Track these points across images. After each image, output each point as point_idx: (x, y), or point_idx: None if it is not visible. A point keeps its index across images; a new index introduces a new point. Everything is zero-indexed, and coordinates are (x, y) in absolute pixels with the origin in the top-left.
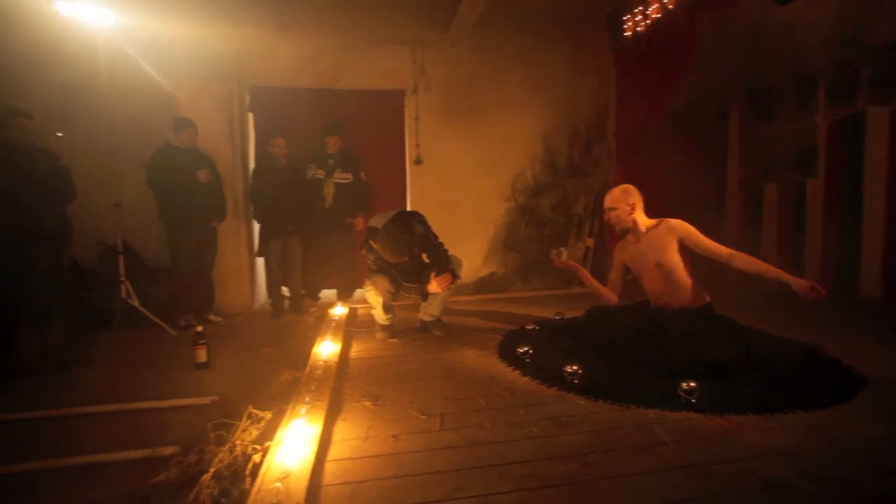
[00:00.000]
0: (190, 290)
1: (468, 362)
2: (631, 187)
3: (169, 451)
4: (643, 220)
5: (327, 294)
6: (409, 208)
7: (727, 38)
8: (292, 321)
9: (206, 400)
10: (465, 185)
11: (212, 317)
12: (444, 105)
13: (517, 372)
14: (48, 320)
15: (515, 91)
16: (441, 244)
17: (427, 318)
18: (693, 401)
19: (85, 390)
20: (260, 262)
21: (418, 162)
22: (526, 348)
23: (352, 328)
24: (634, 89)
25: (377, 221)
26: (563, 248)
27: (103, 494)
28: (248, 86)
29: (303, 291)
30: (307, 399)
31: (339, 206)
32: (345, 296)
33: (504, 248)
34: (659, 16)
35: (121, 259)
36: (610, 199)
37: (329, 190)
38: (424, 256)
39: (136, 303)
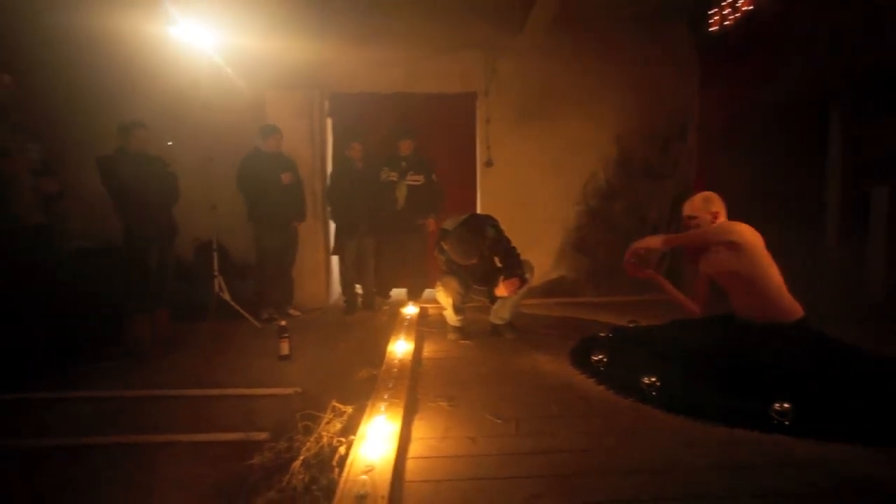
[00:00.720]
0: (273, 285)
1: (541, 368)
2: (713, 195)
3: (261, 436)
4: None
5: (397, 292)
6: (479, 210)
7: (833, 24)
8: (365, 317)
9: (289, 390)
10: (535, 187)
11: (291, 311)
12: (514, 107)
13: (592, 380)
14: (157, 309)
15: (588, 91)
16: (513, 248)
17: (497, 322)
18: (787, 423)
19: (184, 373)
20: (335, 259)
21: (489, 164)
22: (600, 356)
23: (423, 328)
24: (720, 86)
25: (450, 224)
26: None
27: (207, 471)
28: (328, 93)
29: (374, 289)
30: (385, 396)
31: (411, 208)
32: (415, 295)
33: (574, 251)
34: (751, 7)
35: (214, 256)
36: (690, 208)
37: (401, 191)
38: (496, 260)
39: (226, 296)
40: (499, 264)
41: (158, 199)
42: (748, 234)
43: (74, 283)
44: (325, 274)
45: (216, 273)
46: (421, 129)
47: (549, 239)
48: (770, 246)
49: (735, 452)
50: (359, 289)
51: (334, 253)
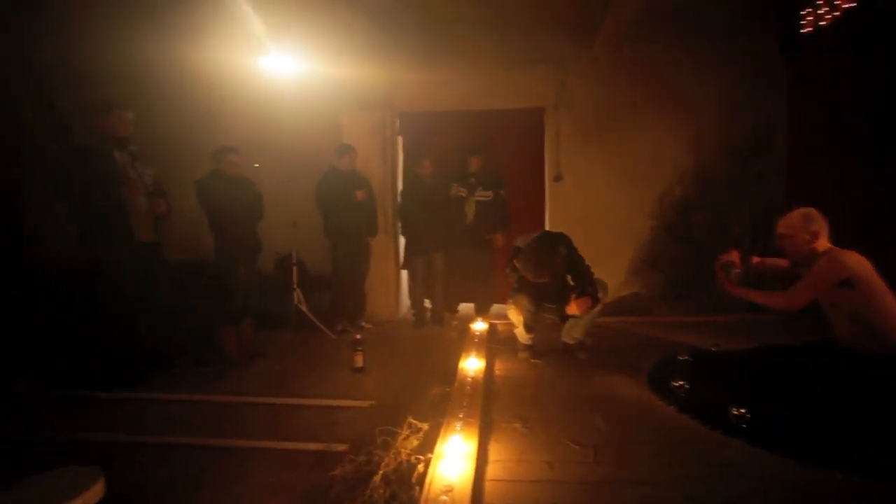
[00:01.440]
0: (346, 298)
1: (617, 391)
2: (814, 212)
3: (341, 447)
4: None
5: (465, 307)
6: (547, 225)
7: None
8: (434, 332)
9: (365, 403)
10: (606, 202)
11: (363, 323)
12: (585, 120)
13: (672, 407)
14: (243, 320)
15: (664, 102)
16: (586, 267)
17: (569, 341)
18: None
19: (268, 381)
20: (404, 274)
21: (558, 178)
22: (681, 382)
23: (493, 345)
24: (812, 92)
25: (522, 241)
26: (733, 263)
27: (293, 478)
28: (398, 112)
29: (443, 304)
30: (460, 415)
31: (480, 223)
32: (482, 311)
33: (648, 267)
34: (853, 4)
35: (294, 270)
36: (786, 225)
37: (470, 207)
38: (569, 278)
39: (304, 308)
40: (571, 282)
41: (246, 218)
42: (858, 266)
43: (174, 294)
44: (395, 288)
45: (295, 286)
46: (489, 145)
47: (620, 254)
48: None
49: (845, 500)
50: (428, 303)
51: (404, 267)
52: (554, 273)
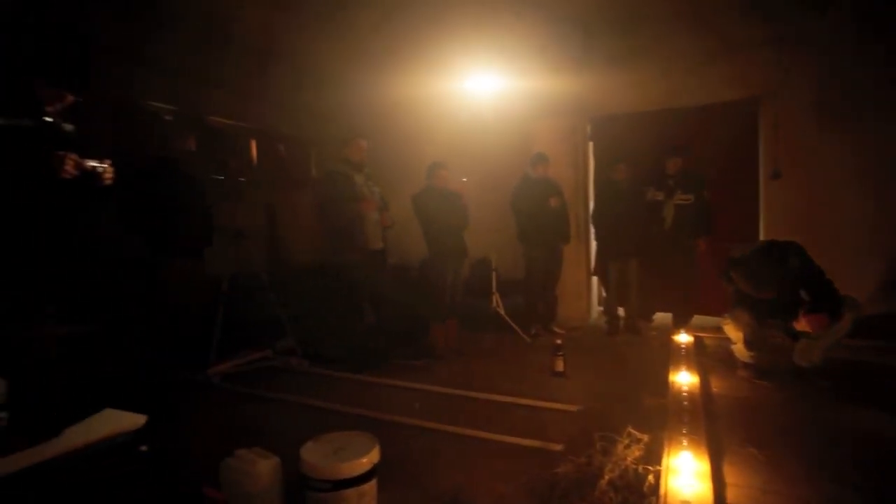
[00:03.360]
0: (539, 303)
1: (867, 426)
2: None
3: (556, 447)
4: None
5: (661, 317)
6: (762, 229)
7: None
8: (627, 340)
9: (573, 407)
10: (839, 203)
11: (555, 328)
12: (812, 108)
13: None
14: (449, 320)
15: None
16: (826, 280)
17: (804, 364)
18: None
19: (475, 377)
20: (594, 280)
21: (776, 176)
22: None
23: (704, 360)
24: None
25: (739, 250)
26: None
27: (516, 470)
28: (589, 117)
29: (638, 312)
30: (684, 431)
31: (680, 228)
32: (681, 322)
33: None
34: None
35: (493, 275)
36: None
37: (669, 211)
38: (803, 293)
39: (501, 311)
40: (805, 297)
41: (454, 227)
42: None
43: (394, 295)
44: (587, 294)
45: (494, 290)
46: (690, 145)
47: (859, 266)
48: None
49: None
50: (621, 311)
51: (594, 273)
52: (781, 287)
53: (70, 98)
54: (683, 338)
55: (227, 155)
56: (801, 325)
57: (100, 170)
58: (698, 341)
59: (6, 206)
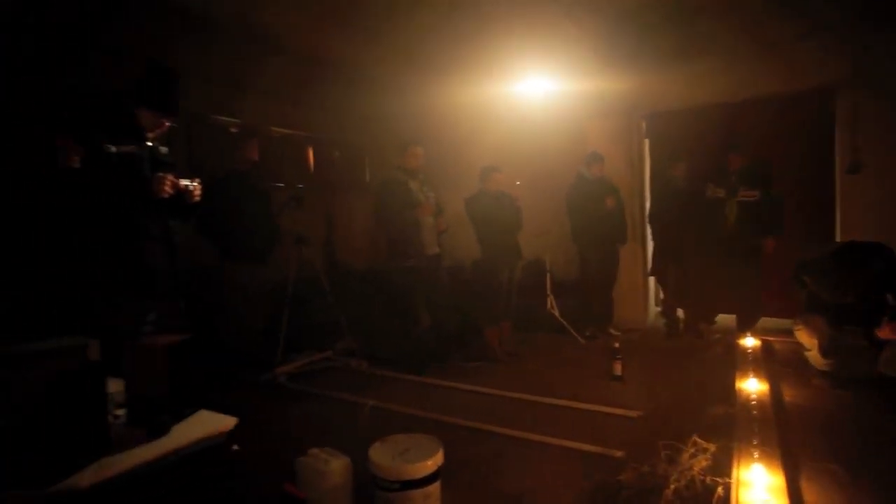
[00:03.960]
0: (595, 304)
1: None
2: None
3: (617, 454)
4: None
5: (723, 319)
6: (839, 226)
7: None
8: (687, 344)
9: (633, 413)
10: None
11: (611, 330)
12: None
13: None
14: (504, 321)
15: None
16: None
17: (892, 374)
18: None
19: (531, 380)
20: (651, 281)
21: (854, 169)
22: None
23: (774, 366)
24: None
25: (813, 252)
26: None
27: (578, 475)
28: (644, 114)
29: (698, 314)
30: (755, 442)
31: (744, 227)
32: (746, 325)
33: None
34: None
35: (548, 277)
36: None
37: (731, 209)
38: (890, 297)
39: (556, 312)
40: (892, 302)
41: (508, 229)
42: None
43: (449, 297)
44: (644, 295)
45: (549, 292)
46: (754, 139)
47: None
48: None
49: None
50: (680, 313)
51: (651, 274)
52: (863, 292)
53: (166, 124)
54: (750, 342)
55: (286, 163)
56: (885, 332)
57: (191, 187)
58: (766, 346)
59: (121, 225)
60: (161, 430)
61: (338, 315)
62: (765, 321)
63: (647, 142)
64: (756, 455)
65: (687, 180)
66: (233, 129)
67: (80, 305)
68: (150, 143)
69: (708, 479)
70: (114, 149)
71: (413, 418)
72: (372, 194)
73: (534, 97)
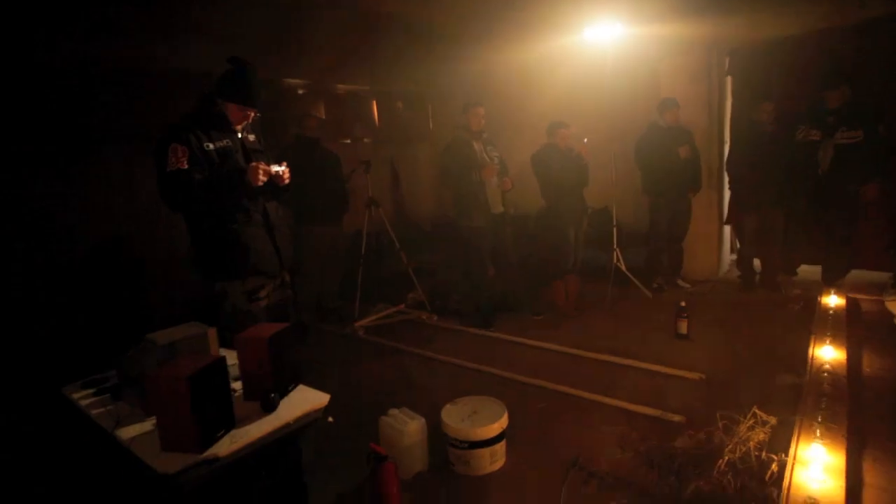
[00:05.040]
0: (663, 255)
1: None
2: None
3: (675, 418)
4: None
5: (805, 271)
6: None
7: None
8: (765, 298)
9: (695, 375)
10: None
11: (679, 282)
12: None
13: None
14: (570, 275)
15: None
16: None
17: None
18: None
19: (594, 336)
20: (726, 229)
21: None
22: None
23: (859, 330)
24: None
25: None
26: None
27: (634, 437)
28: (727, 49)
29: (779, 265)
30: (819, 419)
31: (841, 171)
32: (833, 278)
33: None
34: None
35: (615, 230)
36: None
37: (826, 153)
38: None
39: (622, 266)
40: None
41: (575, 185)
42: None
43: (513, 253)
44: (717, 245)
45: (615, 246)
46: (859, 71)
47: None
48: None
49: None
50: (757, 264)
51: (726, 223)
52: None
53: (252, 114)
54: (833, 300)
55: (352, 118)
56: None
57: (281, 172)
58: (852, 305)
59: (228, 214)
60: (272, 406)
61: (408, 268)
62: (856, 273)
63: (728, 80)
64: (818, 433)
65: (774, 122)
66: (300, 91)
67: (199, 290)
68: (239, 135)
69: (763, 454)
70: (211, 146)
71: (479, 373)
72: (435, 144)
73: (601, 44)
